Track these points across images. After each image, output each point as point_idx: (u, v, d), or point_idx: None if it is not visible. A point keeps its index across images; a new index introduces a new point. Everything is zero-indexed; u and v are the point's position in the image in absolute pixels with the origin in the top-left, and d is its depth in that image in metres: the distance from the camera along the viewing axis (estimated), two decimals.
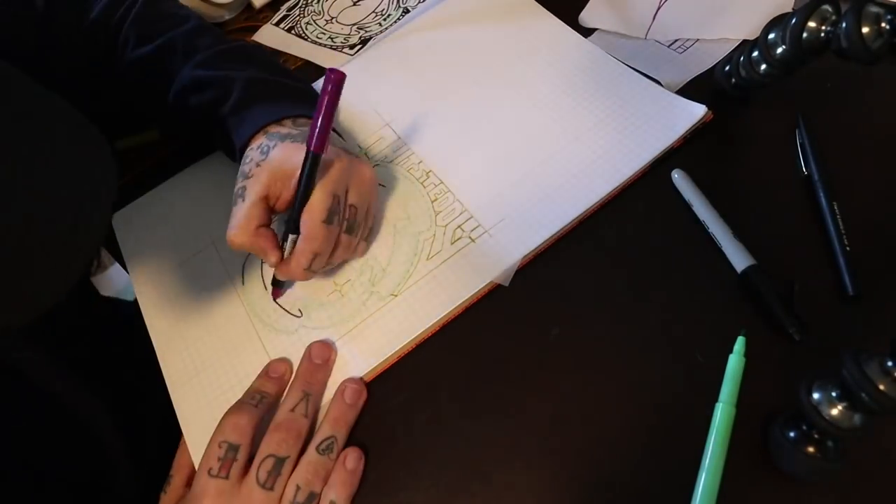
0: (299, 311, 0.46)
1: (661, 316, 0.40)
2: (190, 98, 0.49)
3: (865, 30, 0.34)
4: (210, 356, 0.46)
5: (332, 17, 0.68)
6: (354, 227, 0.44)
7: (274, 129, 0.45)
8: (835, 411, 0.31)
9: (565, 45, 0.54)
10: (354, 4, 0.68)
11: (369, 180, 0.44)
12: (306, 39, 0.66)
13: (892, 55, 0.34)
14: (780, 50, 0.41)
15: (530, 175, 0.47)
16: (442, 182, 0.49)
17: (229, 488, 0.36)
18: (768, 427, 0.35)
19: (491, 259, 0.43)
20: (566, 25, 0.56)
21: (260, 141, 0.44)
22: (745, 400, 0.36)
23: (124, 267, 0.53)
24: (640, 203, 0.45)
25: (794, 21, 0.38)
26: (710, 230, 0.41)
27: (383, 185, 0.50)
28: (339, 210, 0.42)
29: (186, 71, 0.49)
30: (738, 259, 0.40)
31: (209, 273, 0.50)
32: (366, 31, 0.65)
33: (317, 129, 0.39)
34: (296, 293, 0.47)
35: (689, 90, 0.49)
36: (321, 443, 0.38)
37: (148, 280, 0.51)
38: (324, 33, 0.66)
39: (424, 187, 0.49)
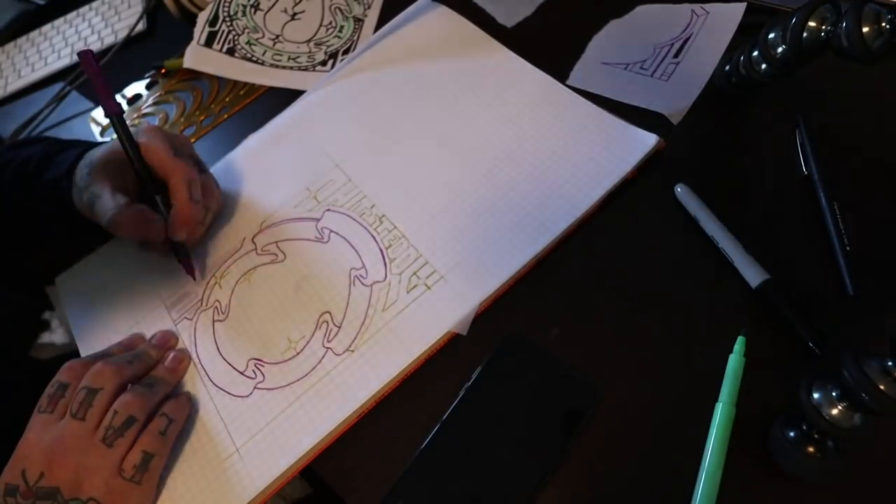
0: (254, 371, 0.44)
1: (660, 317, 0.40)
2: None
3: (865, 30, 0.34)
4: None
5: (278, 36, 0.64)
6: (202, 165, 0.50)
7: (84, 158, 0.47)
8: (835, 411, 0.31)
9: (516, 75, 0.53)
10: (293, 18, 0.65)
11: (188, 140, 0.51)
12: (262, 64, 0.63)
13: (893, 55, 0.34)
14: (780, 50, 0.41)
15: (485, 214, 0.45)
16: (396, 227, 0.47)
17: (51, 421, 0.38)
18: (768, 427, 0.35)
19: (448, 307, 0.42)
20: (518, 56, 0.54)
21: (79, 166, 0.47)
22: (745, 400, 0.36)
23: (69, 331, 0.51)
24: (640, 210, 0.45)
25: (794, 21, 0.38)
26: (719, 245, 0.41)
27: (340, 235, 0.48)
28: (175, 143, 0.46)
29: None
30: (752, 274, 0.39)
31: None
32: (328, 46, 0.62)
33: (102, 97, 0.44)
34: (248, 350, 0.45)
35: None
36: (146, 380, 0.41)
37: (96, 346, 0.48)
38: (279, 54, 0.63)
39: (378, 233, 0.47)
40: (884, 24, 0.34)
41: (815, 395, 0.32)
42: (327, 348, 0.43)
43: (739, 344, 0.37)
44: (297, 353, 0.43)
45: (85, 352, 0.49)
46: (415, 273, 0.44)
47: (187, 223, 0.46)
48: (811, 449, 0.32)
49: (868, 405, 0.29)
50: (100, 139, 0.65)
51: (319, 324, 0.44)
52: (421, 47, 0.58)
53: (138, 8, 0.76)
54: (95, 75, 0.44)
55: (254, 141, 0.58)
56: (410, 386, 0.41)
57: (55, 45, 0.78)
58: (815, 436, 0.32)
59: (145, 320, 0.49)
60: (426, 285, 0.44)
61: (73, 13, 0.80)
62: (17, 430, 0.42)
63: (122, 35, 0.73)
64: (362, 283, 0.45)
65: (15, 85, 0.75)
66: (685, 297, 0.41)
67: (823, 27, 0.38)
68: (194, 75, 0.66)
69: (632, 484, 0.36)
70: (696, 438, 0.35)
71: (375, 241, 0.47)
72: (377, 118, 0.54)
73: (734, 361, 0.37)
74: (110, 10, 0.78)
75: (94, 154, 0.47)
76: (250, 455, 0.40)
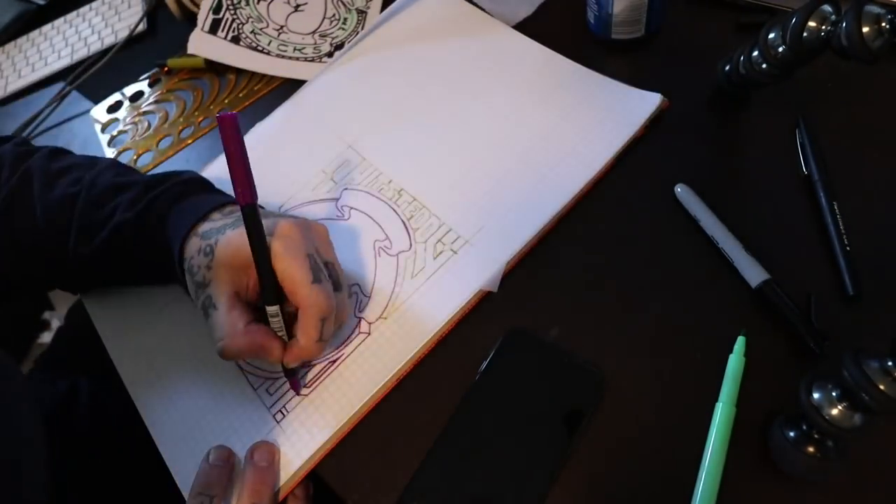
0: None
1: (660, 317, 0.40)
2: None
3: (865, 30, 0.34)
4: (198, 407, 0.43)
5: (282, 26, 0.64)
6: (340, 282, 0.41)
7: (203, 226, 0.41)
8: (835, 411, 0.31)
9: (517, 50, 0.55)
10: (296, 10, 0.65)
11: (326, 234, 0.42)
12: (269, 53, 0.63)
13: (893, 55, 0.34)
14: (780, 50, 0.41)
15: (502, 180, 0.47)
16: (415, 199, 0.48)
17: None
18: (768, 427, 0.35)
19: (476, 268, 0.43)
20: (516, 31, 0.56)
21: (196, 245, 0.40)
22: (745, 400, 0.36)
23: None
24: (640, 210, 0.45)
25: (794, 21, 0.38)
26: (719, 245, 0.41)
27: (360, 210, 0.49)
28: (320, 268, 0.38)
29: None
30: (752, 273, 0.39)
31: (184, 320, 0.47)
32: (332, 38, 0.63)
33: (237, 181, 0.36)
34: None
35: (689, 90, 0.49)
36: None
37: (120, 337, 0.48)
38: (285, 45, 0.63)
39: (398, 206, 0.48)
40: (884, 24, 0.34)
41: (815, 395, 0.32)
42: (360, 318, 0.44)
43: (739, 344, 0.37)
44: None
45: (104, 332, 0.48)
46: (439, 240, 0.45)
47: (306, 359, 0.41)
48: (811, 449, 0.32)
49: (868, 405, 0.29)
50: (100, 135, 0.65)
51: (349, 295, 0.45)
52: (424, 29, 0.60)
53: (138, 8, 0.76)
54: (236, 150, 0.36)
55: (263, 127, 0.58)
56: (409, 386, 0.41)
57: (55, 45, 0.78)
58: (815, 436, 0.32)
59: (169, 307, 0.48)
60: (452, 250, 0.45)
61: (73, 13, 0.80)
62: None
63: (122, 35, 0.73)
64: (387, 254, 0.46)
65: (15, 85, 0.75)
66: (685, 297, 0.41)
67: (823, 27, 0.38)
68: (196, 75, 0.66)
69: (631, 483, 0.36)
70: (696, 438, 0.35)
71: (396, 213, 0.48)
72: (386, 98, 0.56)
73: (734, 361, 0.37)
74: (110, 10, 0.78)
75: (217, 239, 0.39)
76: (292, 426, 0.40)
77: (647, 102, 0.47)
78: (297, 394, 0.42)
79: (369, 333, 0.43)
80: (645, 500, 0.35)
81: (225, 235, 0.39)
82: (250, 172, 0.36)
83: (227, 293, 0.38)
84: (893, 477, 0.33)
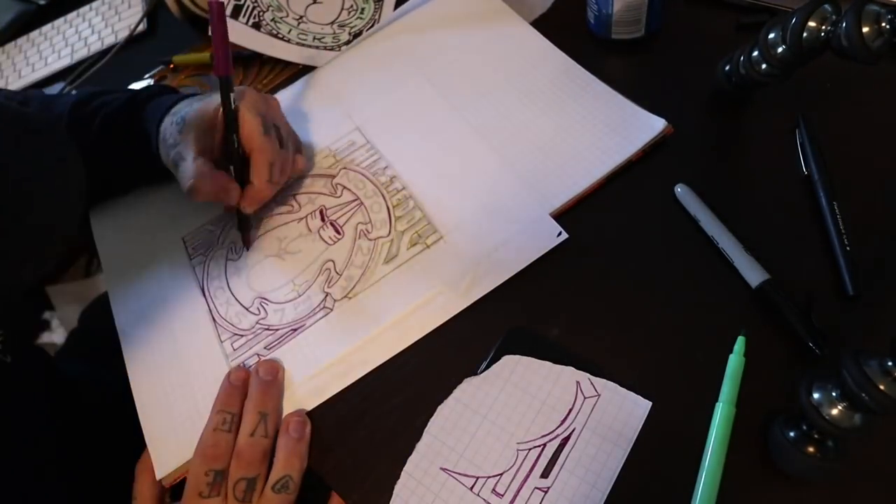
0: (258, 308, 0.47)
1: (660, 317, 0.40)
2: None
3: (865, 29, 0.34)
4: (173, 359, 0.46)
5: (301, 16, 0.65)
6: (284, 140, 0.49)
7: (174, 109, 0.49)
8: (835, 411, 0.31)
9: (535, 53, 0.55)
10: (315, 2, 0.66)
11: (277, 104, 0.51)
12: (289, 41, 0.64)
13: (893, 55, 0.34)
14: (780, 50, 0.41)
15: (490, 183, 0.48)
16: (405, 188, 0.49)
17: None
18: (768, 427, 0.35)
19: (443, 266, 0.45)
20: (538, 33, 0.56)
21: (169, 121, 0.47)
22: (745, 400, 0.36)
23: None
24: (640, 210, 0.45)
25: (794, 21, 0.38)
26: (719, 245, 0.41)
27: (351, 191, 0.51)
28: (270, 125, 0.47)
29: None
30: (752, 273, 0.39)
31: (177, 271, 0.51)
32: (351, 27, 0.64)
33: (219, 56, 0.45)
34: (255, 288, 0.48)
35: (689, 90, 0.49)
36: (276, 483, 0.38)
37: (120, 278, 0.52)
38: (304, 34, 0.64)
39: (388, 192, 0.50)
40: (884, 24, 0.34)
41: (815, 395, 0.32)
42: (327, 293, 0.46)
43: (739, 344, 0.37)
44: (299, 296, 0.47)
45: (112, 282, 0.52)
46: (416, 232, 0.47)
47: (259, 202, 0.48)
48: (811, 449, 0.32)
49: (868, 405, 0.29)
50: None
51: (322, 270, 0.47)
52: (445, 19, 0.60)
53: (138, 8, 0.76)
54: (220, 30, 0.45)
55: (279, 98, 0.59)
56: (409, 384, 0.41)
57: (55, 45, 0.78)
58: (815, 436, 0.32)
59: (164, 254, 0.52)
60: (426, 244, 0.46)
61: (73, 13, 0.80)
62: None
63: (122, 35, 0.73)
64: (367, 238, 0.48)
65: (15, 85, 0.75)
66: (685, 297, 0.41)
67: (823, 27, 0.38)
68: (202, 71, 0.66)
69: (632, 483, 0.36)
70: (696, 438, 0.35)
71: (384, 199, 0.49)
72: (399, 85, 0.57)
73: (734, 361, 0.37)
74: (110, 10, 0.78)
75: (186, 112, 0.47)
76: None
77: (650, 126, 0.47)
78: (248, 249, 0.49)
79: (332, 310, 0.45)
80: (645, 499, 0.35)
81: (192, 107, 0.47)
82: (230, 52, 0.45)
83: (194, 148, 0.45)
84: (893, 477, 0.33)
